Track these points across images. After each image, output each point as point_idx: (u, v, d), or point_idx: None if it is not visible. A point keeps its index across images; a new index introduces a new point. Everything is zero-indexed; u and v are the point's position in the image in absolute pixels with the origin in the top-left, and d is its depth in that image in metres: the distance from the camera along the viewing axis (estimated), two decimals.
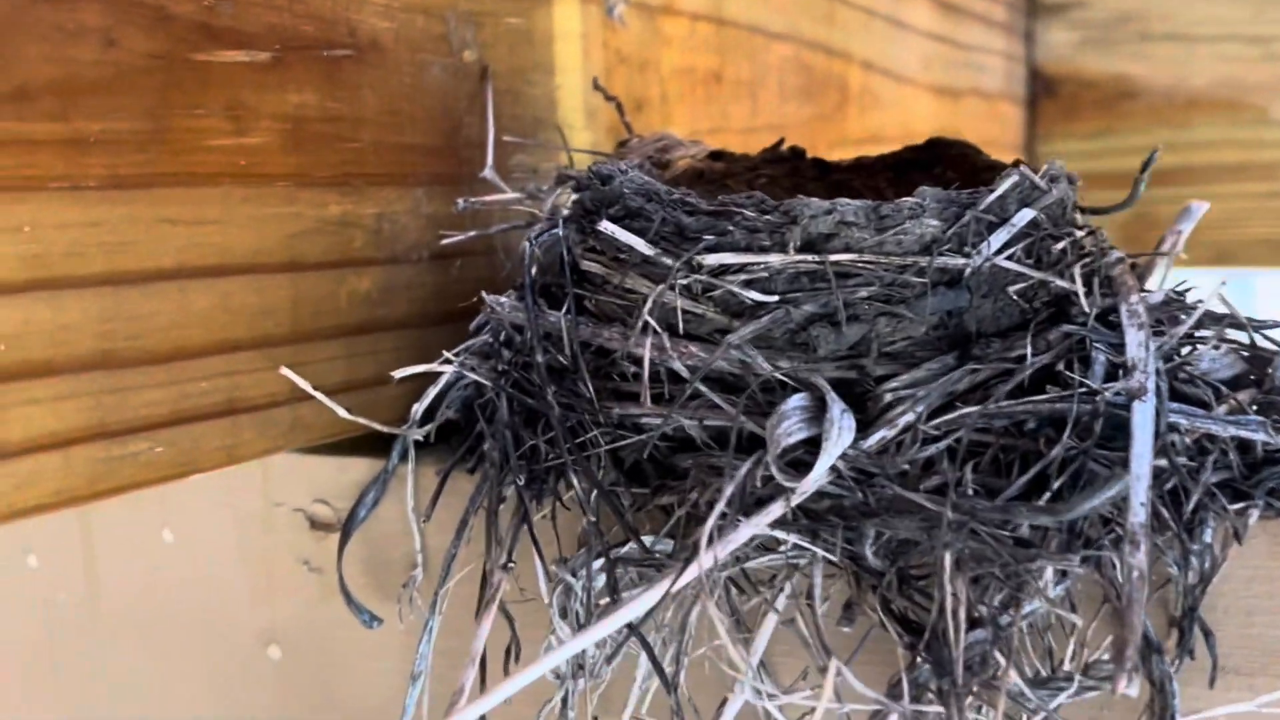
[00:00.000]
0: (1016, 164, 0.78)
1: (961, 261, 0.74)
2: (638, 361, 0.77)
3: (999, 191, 0.75)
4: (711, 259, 0.74)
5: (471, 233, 0.93)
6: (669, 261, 0.75)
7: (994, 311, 0.76)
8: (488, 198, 0.94)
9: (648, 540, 0.73)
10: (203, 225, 0.74)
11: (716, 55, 1.32)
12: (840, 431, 0.68)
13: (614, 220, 0.78)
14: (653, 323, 0.75)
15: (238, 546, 0.91)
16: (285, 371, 0.78)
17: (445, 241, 0.92)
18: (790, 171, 1.00)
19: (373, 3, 0.86)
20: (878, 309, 0.74)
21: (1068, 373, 0.72)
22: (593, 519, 0.75)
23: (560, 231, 0.84)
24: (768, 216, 0.74)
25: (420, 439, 0.86)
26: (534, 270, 0.84)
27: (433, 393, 0.88)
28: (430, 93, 0.91)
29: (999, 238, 0.75)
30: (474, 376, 0.81)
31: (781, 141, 1.01)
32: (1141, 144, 2.30)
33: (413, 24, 0.90)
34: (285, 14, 0.79)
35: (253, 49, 0.77)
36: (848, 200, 0.74)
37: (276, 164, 0.79)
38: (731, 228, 0.74)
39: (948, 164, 0.97)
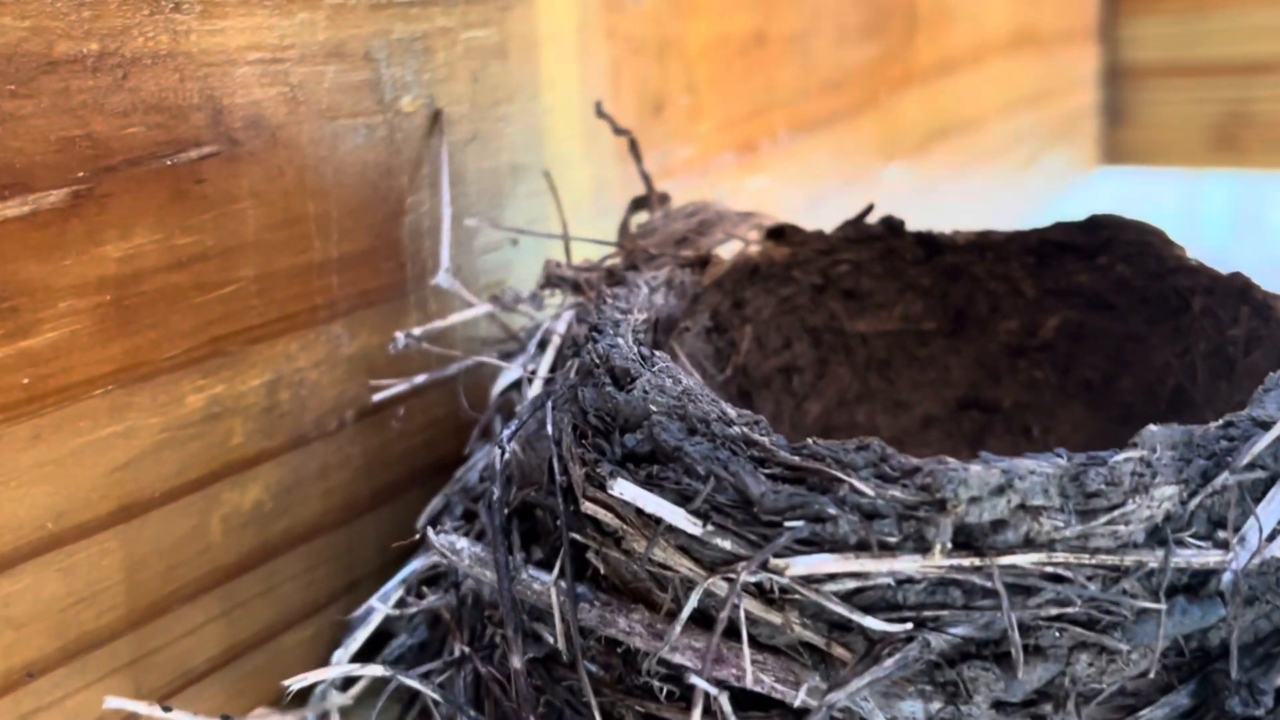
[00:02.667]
0: (1239, 284, 0.47)
1: (1216, 557, 0.44)
2: (675, 677, 0.48)
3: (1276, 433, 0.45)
4: (800, 566, 0.44)
5: (418, 378, 0.63)
6: (727, 546, 0.45)
7: (1258, 622, 0.47)
8: (440, 323, 0.63)
9: None
10: None
11: (757, 11, 0.98)
12: None
13: (635, 461, 0.48)
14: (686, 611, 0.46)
15: None
16: (113, 703, 0.49)
17: (380, 396, 0.61)
18: (883, 255, 0.69)
19: (245, 63, 0.54)
20: (1075, 638, 0.45)
21: None
22: None
23: (549, 429, 0.54)
24: (895, 492, 0.44)
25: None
26: (505, 501, 0.54)
27: (362, 636, 0.59)
28: (350, 174, 0.60)
29: (1273, 512, 0.45)
30: (411, 682, 0.51)
31: (869, 210, 0.69)
32: (1239, 27, 1.95)
33: (318, 79, 0.57)
34: (94, 118, 0.48)
35: (32, 191, 0.46)
36: (1029, 465, 0.44)
37: (86, 365, 0.49)
38: (834, 509, 0.44)
39: (1115, 253, 0.66)
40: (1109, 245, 0.66)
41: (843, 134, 1.13)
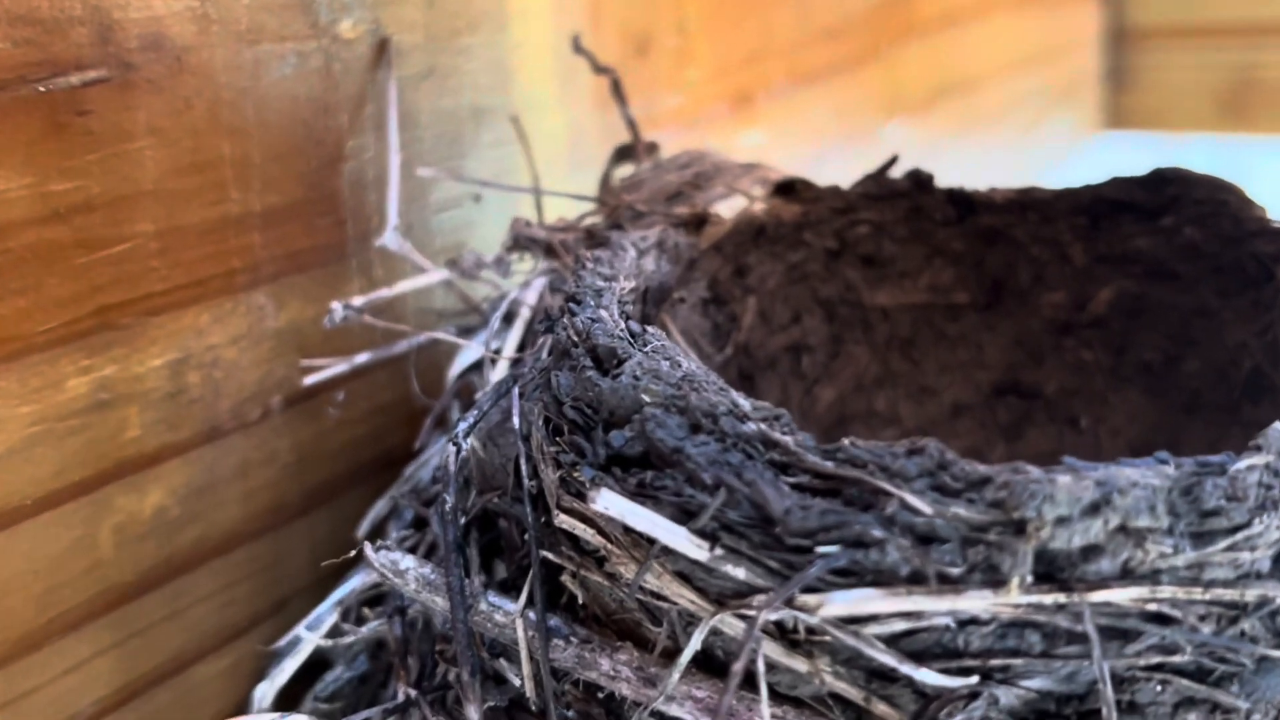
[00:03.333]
0: None
1: None
2: None
3: None
4: (838, 604, 0.34)
5: (359, 357, 0.52)
6: (740, 576, 0.36)
7: None
8: (387, 291, 0.53)
9: None
10: None
11: None
12: None
13: (623, 465, 0.38)
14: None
15: None
16: None
17: (314, 379, 0.51)
18: (908, 215, 0.59)
19: None
20: (1181, 692, 0.35)
21: None
22: None
23: (516, 421, 0.44)
24: (959, 509, 0.34)
25: None
26: (461, 510, 0.44)
27: (290, 669, 0.49)
28: (277, 110, 0.49)
29: None
30: None
31: (893, 161, 0.59)
32: None
33: None
34: None
35: None
36: (1130, 474, 0.34)
37: None
38: (879, 531, 0.34)
39: (1183, 213, 0.56)
40: (1175, 204, 0.56)
41: (843, 87, 1.03)
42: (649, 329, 0.41)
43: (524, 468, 0.43)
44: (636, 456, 0.38)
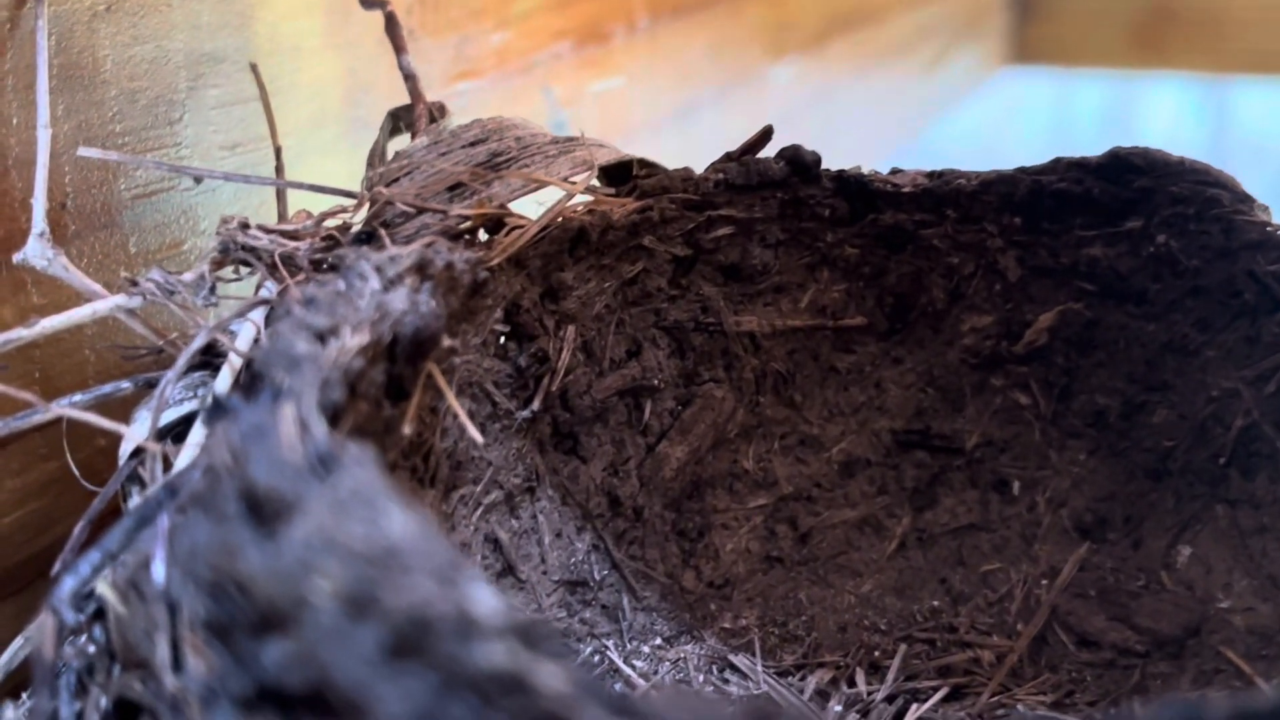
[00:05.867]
0: None
1: None
2: None
3: None
4: None
5: None
6: None
7: None
8: (23, 331, 0.36)
9: None
10: None
11: None
12: None
13: (282, 705, 0.22)
14: None
15: None
16: None
17: None
18: (785, 210, 0.43)
19: None
20: None
21: None
22: None
23: (157, 575, 0.27)
24: None
25: None
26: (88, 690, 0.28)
27: None
28: None
29: None
30: None
31: (764, 138, 0.43)
32: None
33: None
34: None
35: None
36: None
37: None
38: None
39: (1155, 212, 0.41)
40: (1144, 201, 0.41)
41: (722, 22, 0.86)
42: (352, 450, 0.25)
43: (163, 654, 0.27)
44: (302, 696, 0.22)
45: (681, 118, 0.82)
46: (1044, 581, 0.43)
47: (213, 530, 0.24)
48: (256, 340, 0.37)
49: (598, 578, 0.42)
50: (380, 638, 0.22)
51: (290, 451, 0.25)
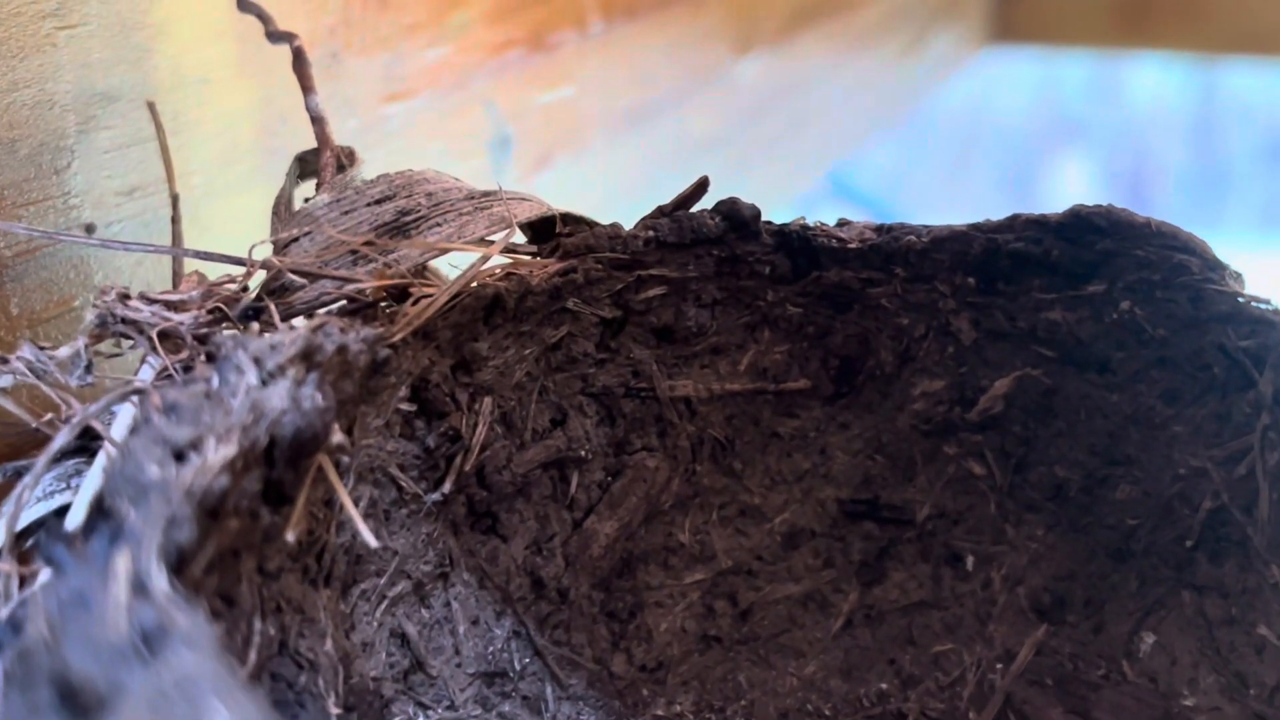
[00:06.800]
0: None
1: None
2: None
3: None
4: None
5: None
6: None
7: None
8: None
9: None
10: None
11: None
12: None
13: None
14: None
15: None
16: None
17: None
18: (723, 268, 0.40)
19: None
20: None
21: None
22: None
23: None
24: None
25: None
26: None
27: None
28: None
29: None
30: None
31: (700, 190, 0.40)
32: None
33: None
34: None
35: None
36: None
37: None
38: None
39: (1119, 276, 0.38)
40: (1107, 263, 0.38)
41: (681, 21, 0.83)
42: (185, 621, 0.22)
43: None
44: None
45: (639, 123, 0.79)
46: (999, 665, 0.41)
47: (24, 718, 0.21)
48: (133, 428, 0.34)
49: (518, 667, 0.39)
50: None
51: (112, 629, 0.22)
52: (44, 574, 0.31)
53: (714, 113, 0.88)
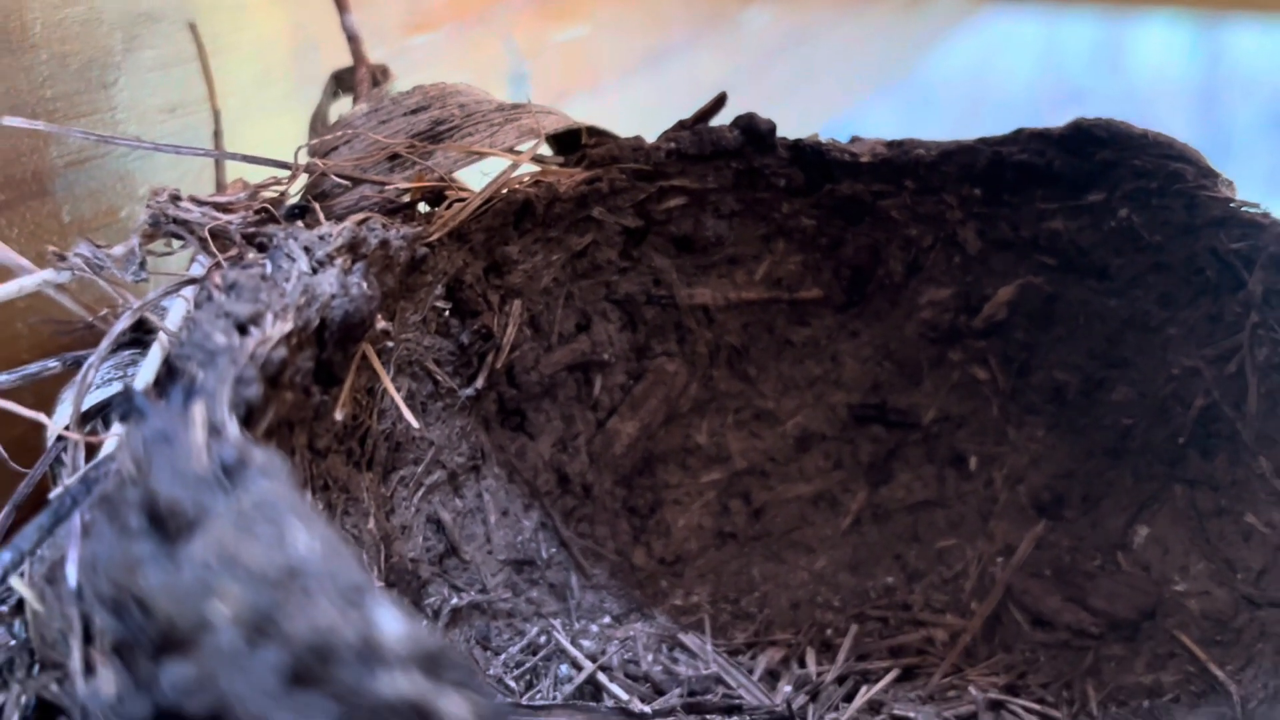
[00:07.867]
0: None
1: None
2: None
3: None
4: None
5: None
6: None
7: None
8: None
9: None
10: None
11: None
12: None
13: None
14: None
15: None
16: None
17: None
18: (740, 180, 0.42)
19: None
20: None
21: None
22: None
23: (70, 576, 0.27)
24: None
25: None
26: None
27: None
28: None
29: None
30: None
31: (718, 105, 0.42)
32: None
33: None
34: None
35: None
36: None
37: None
38: None
39: (1117, 186, 0.40)
40: (1107, 173, 0.40)
41: None
42: (260, 456, 0.24)
43: (76, 659, 0.26)
44: (203, 718, 0.21)
45: (651, 65, 0.80)
46: (999, 559, 0.43)
47: (115, 542, 0.23)
48: (186, 317, 0.36)
49: (545, 556, 0.42)
50: (279, 665, 0.21)
51: (195, 461, 0.24)
52: (109, 443, 0.33)
53: (722, 58, 0.90)
